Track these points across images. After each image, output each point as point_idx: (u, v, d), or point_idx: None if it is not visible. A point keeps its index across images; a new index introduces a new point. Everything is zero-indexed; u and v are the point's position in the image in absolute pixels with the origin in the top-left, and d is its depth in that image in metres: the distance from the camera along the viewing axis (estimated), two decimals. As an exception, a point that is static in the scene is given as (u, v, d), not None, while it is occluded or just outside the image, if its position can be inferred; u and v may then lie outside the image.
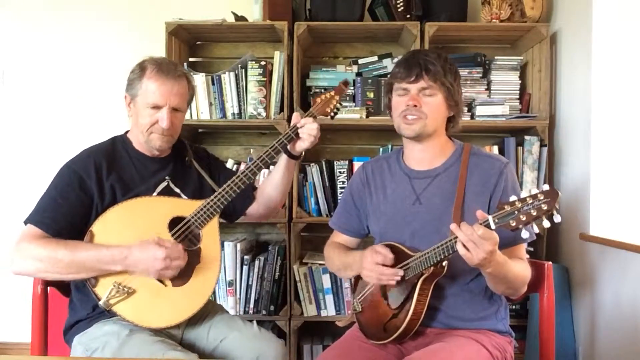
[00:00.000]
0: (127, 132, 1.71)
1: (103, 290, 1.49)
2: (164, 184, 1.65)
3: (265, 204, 1.82)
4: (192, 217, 1.58)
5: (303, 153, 1.72)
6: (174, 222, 1.57)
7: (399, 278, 1.45)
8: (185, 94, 1.64)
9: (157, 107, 1.58)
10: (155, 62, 1.61)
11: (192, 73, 2.54)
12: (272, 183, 1.77)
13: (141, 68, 1.61)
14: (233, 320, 1.68)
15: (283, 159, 1.71)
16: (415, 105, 1.51)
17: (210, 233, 1.60)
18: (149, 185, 1.63)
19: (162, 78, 1.58)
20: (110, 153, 1.64)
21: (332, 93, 1.72)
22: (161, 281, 1.52)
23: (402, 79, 1.53)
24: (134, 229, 1.53)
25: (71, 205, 1.53)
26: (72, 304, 1.61)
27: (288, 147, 1.68)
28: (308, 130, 1.64)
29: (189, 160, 1.73)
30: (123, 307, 1.50)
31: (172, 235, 1.55)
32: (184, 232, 1.57)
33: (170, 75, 1.58)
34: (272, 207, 1.84)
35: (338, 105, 1.73)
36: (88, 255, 1.46)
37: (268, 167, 1.64)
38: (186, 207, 1.60)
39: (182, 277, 1.53)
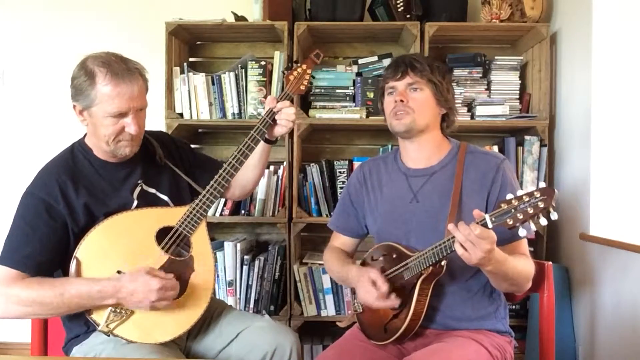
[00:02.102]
0: (85, 136, 1.58)
1: (100, 316, 1.42)
2: (138, 188, 1.56)
3: (240, 188, 1.78)
4: (180, 226, 1.52)
5: (280, 137, 1.67)
6: (162, 233, 1.50)
7: (397, 305, 1.47)
8: (143, 91, 1.50)
9: (120, 115, 1.44)
10: (103, 63, 1.43)
11: (192, 73, 2.54)
12: (247, 168, 1.69)
13: (88, 73, 1.43)
14: (244, 315, 1.67)
15: (259, 144, 1.63)
16: (402, 101, 1.53)
17: (200, 238, 1.54)
18: (125, 193, 1.54)
19: (119, 83, 1.42)
20: (72, 167, 1.51)
21: (304, 67, 1.66)
22: None
23: (390, 78, 1.58)
24: (122, 248, 1.46)
25: (44, 238, 1.42)
26: (65, 323, 1.55)
27: (266, 134, 1.62)
28: (285, 115, 1.59)
29: (160, 159, 1.63)
30: (124, 329, 1.44)
31: (162, 247, 1.49)
32: (174, 242, 1.51)
33: (126, 77, 1.43)
34: (248, 189, 1.82)
35: (311, 78, 1.67)
36: (77, 293, 1.38)
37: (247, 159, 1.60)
38: (170, 215, 1.53)
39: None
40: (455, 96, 1.66)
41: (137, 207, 1.54)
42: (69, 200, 1.46)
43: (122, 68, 1.44)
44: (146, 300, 1.40)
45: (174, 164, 1.66)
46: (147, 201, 1.56)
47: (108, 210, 1.49)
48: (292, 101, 1.66)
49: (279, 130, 1.62)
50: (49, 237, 1.43)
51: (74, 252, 1.44)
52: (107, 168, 1.55)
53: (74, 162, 1.53)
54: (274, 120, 1.61)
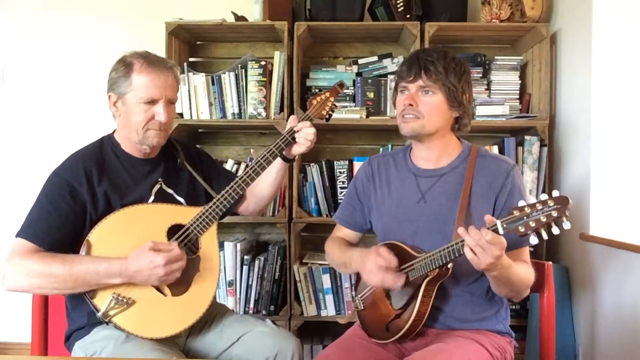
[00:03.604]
0: (114, 131, 1.66)
1: (102, 301, 1.45)
2: (158, 186, 1.62)
3: (255, 203, 1.82)
4: (192, 225, 1.56)
5: (297, 156, 1.71)
6: (173, 230, 1.54)
7: (401, 284, 1.45)
8: (176, 86, 1.60)
9: (152, 102, 1.53)
10: (141, 55, 1.56)
11: (192, 73, 2.54)
12: (263, 183, 1.76)
13: (126, 64, 1.54)
14: (246, 319, 1.68)
15: (276, 161, 1.69)
16: (411, 105, 1.51)
17: (209, 240, 1.57)
18: (144, 188, 1.59)
19: (154, 71, 1.53)
20: (100, 157, 1.59)
21: (328, 94, 1.72)
22: (160, 291, 1.49)
23: (403, 78, 1.54)
24: (133, 238, 1.49)
25: (63, 216, 1.48)
26: (69, 313, 1.58)
27: (284, 152, 1.67)
28: (305, 134, 1.63)
29: (181, 162, 1.69)
30: (122, 318, 1.46)
31: None
32: (183, 240, 1.54)
33: (162, 67, 1.54)
34: (262, 205, 1.85)
35: (333, 106, 1.74)
36: (85, 270, 1.41)
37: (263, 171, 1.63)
38: (184, 214, 1.57)
39: (181, 286, 1.50)
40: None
41: (154, 203, 1.59)
42: (92, 186, 1.52)
43: (159, 60, 1.57)
44: (153, 276, 1.43)
45: (193, 169, 1.70)
46: (164, 200, 1.61)
47: (125, 202, 1.55)
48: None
49: (297, 149, 1.66)
50: (68, 217, 1.49)
51: (87, 236, 1.49)
52: (132, 162, 1.62)
53: (102, 153, 1.61)
54: (294, 139, 1.65)
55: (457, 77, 1.50)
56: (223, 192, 1.58)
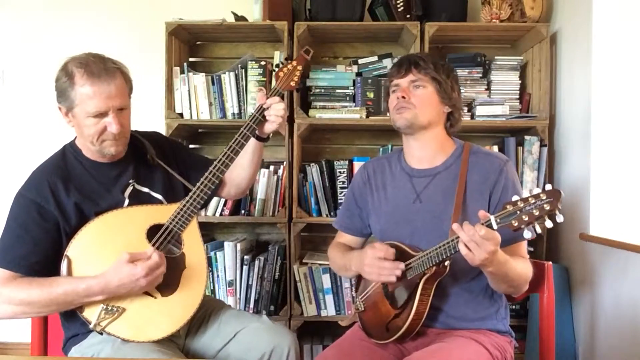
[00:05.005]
0: (75, 137, 1.58)
1: (91, 313, 1.43)
2: (130, 188, 1.56)
3: (235, 186, 1.78)
4: (171, 223, 1.51)
5: (271, 134, 1.67)
6: (152, 231, 1.50)
7: (399, 272, 1.44)
8: (124, 90, 1.49)
9: (100, 115, 1.44)
10: (81, 63, 1.45)
11: (192, 73, 2.54)
12: (241, 167, 1.71)
13: (68, 74, 1.44)
14: (243, 314, 1.67)
15: (251, 142, 1.64)
16: (404, 97, 1.54)
17: (191, 235, 1.54)
18: (116, 193, 1.54)
19: (96, 82, 1.42)
20: (63, 168, 1.52)
21: (295, 63, 1.67)
22: (150, 294, 1.46)
23: (394, 76, 1.59)
24: (112, 246, 1.45)
25: (36, 238, 1.43)
26: (63, 323, 1.56)
27: (257, 131, 1.62)
28: (274, 111, 1.59)
29: (152, 158, 1.62)
30: (116, 326, 1.44)
31: (153, 245, 1.48)
32: (165, 239, 1.50)
33: (103, 76, 1.43)
34: (243, 188, 1.81)
35: (301, 75, 1.67)
36: (64, 293, 1.38)
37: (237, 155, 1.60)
38: (161, 212, 1.53)
39: (170, 285, 1.48)
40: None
41: (129, 206, 1.54)
42: (60, 201, 1.47)
43: (100, 68, 1.45)
44: (136, 288, 1.41)
45: (167, 163, 1.65)
46: (140, 200, 1.56)
47: (99, 209, 1.50)
48: (282, 97, 1.65)
49: (269, 126, 1.62)
50: (41, 238, 1.44)
51: (65, 251, 1.45)
52: (98, 168, 1.55)
53: (65, 163, 1.54)
54: (264, 117, 1.61)
55: (445, 73, 1.57)
56: (198, 184, 1.54)
